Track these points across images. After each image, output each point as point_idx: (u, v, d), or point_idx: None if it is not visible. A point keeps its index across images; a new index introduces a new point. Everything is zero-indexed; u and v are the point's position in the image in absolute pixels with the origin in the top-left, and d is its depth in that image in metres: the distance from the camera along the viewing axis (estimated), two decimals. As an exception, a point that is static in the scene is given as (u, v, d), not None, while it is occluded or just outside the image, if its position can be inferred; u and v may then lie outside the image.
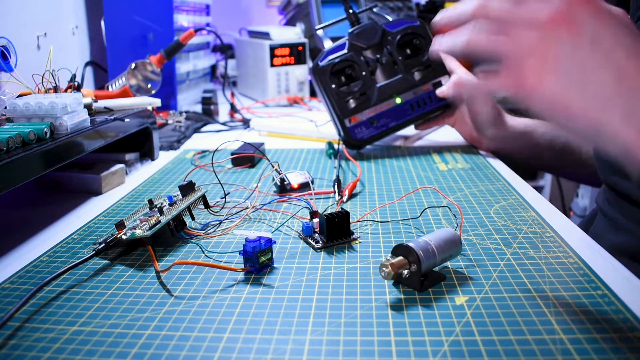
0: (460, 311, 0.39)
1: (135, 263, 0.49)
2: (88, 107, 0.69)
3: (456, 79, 0.81)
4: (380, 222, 0.57)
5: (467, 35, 0.38)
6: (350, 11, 0.86)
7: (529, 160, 0.83)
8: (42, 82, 0.68)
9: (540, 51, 0.36)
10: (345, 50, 0.82)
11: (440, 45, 0.40)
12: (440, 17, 0.42)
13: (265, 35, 1.33)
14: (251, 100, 1.38)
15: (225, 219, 0.59)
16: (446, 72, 0.84)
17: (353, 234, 0.53)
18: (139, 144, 0.82)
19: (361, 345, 0.36)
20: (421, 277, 0.42)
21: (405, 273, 0.42)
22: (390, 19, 0.86)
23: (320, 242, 0.51)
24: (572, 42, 0.35)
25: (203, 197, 0.59)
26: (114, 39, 1.15)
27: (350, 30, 0.83)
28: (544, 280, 0.44)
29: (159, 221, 0.51)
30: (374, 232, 0.54)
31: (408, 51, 0.83)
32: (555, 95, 0.36)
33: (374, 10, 0.91)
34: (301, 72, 1.33)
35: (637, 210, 0.60)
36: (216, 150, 0.71)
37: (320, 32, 0.93)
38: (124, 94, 0.97)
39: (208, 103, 1.13)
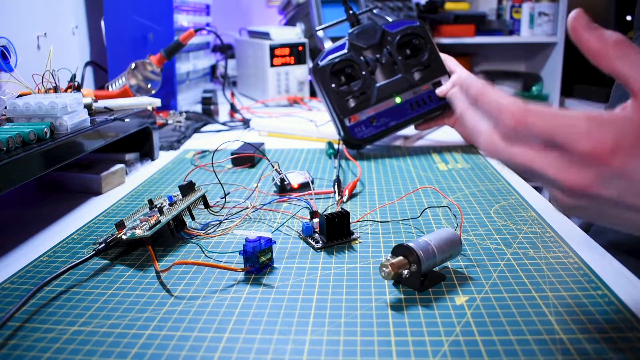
0: (460, 311, 0.39)
1: (135, 263, 0.49)
2: (88, 107, 0.69)
3: (456, 79, 0.81)
4: (380, 222, 0.57)
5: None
6: (351, 12, 0.86)
7: None
8: (42, 82, 0.68)
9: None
10: (345, 50, 0.82)
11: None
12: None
13: (265, 35, 1.33)
14: (251, 100, 1.39)
15: (225, 219, 0.59)
16: (446, 72, 0.84)
17: (353, 234, 0.53)
18: (139, 144, 0.82)
19: (361, 345, 0.36)
20: (421, 277, 0.42)
21: (405, 273, 0.42)
22: (390, 19, 0.86)
23: (320, 242, 0.51)
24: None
25: (203, 197, 0.59)
26: (114, 39, 1.15)
27: (350, 31, 0.83)
28: (544, 280, 0.44)
29: (159, 221, 0.51)
30: (374, 232, 0.54)
31: (408, 51, 0.83)
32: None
33: (374, 11, 0.91)
34: (301, 72, 1.33)
35: None
36: (216, 150, 0.71)
37: (320, 33, 0.93)
38: (124, 94, 0.97)
39: (208, 103, 1.13)
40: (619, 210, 0.31)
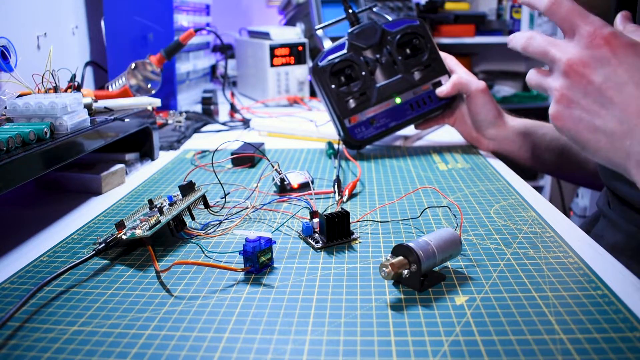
0: (460, 311, 0.39)
1: (135, 263, 0.49)
2: (88, 107, 0.69)
3: (456, 79, 0.81)
4: (380, 222, 0.57)
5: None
6: (350, 11, 0.86)
7: (528, 161, 0.83)
8: (42, 82, 0.68)
9: (557, 94, 0.43)
10: (344, 50, 0.82)
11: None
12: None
13: (265, 35, 1.33)
14: (251, 100, 1.39)
15: (225, 219, 0.59)
16: (446, 72, 0.84)
17: (353, 234, 0.53)
18: (139, 144, 0.82)
19: (361, 345, 0.36)
20: (421, 277, 0.42)
21: (405, 273, 0.42)
22: (389, 18, 0.86)
23: (320, 242, 0.51)
24: (583, 89, 0.41)
25: (203, 197, 0.59)
26: (114, 39, 1.15)
27: (349, 30, 0.83)
28: (544, 280, 0.44)
29: (159, 221, 0.51)
30: (374, 232, 0.54)
31: (408, 51, 0.83)
32: (572, 132, 0.43)
33: (374, 10, 0.91)
34: (301, 72, 1.33)
35: (638, 216, 0.60)
36: (216, 150, 0.71)
37: (320, 32, 0.93)
38: (124, 94, 0.97)
39: (208, 103, 1.13)
40: (598, 111, 0.41)
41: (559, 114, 0.43)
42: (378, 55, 0.83)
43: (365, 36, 0.83)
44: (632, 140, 0.39)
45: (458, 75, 0.81)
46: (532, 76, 0.46)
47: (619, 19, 0.49)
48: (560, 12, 0.43)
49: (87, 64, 1.16)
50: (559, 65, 0.43)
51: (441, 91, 0.82)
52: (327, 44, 0.88)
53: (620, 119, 0.40)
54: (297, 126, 0.99)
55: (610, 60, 0.40)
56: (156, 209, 0.54)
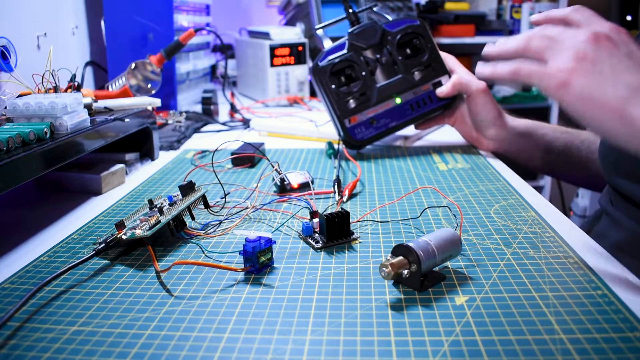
0: (460, 311, 0.39)
1: (135, 263, 0.49)
2: (88, 107, 0.69)
3: (456, 79, 0.81)
4: (380, 222, 0.57)
5: (511, 65, 0.46)
6: (350, 11, 0.86)
7: (528, 161, 0.83)
8: (42, 82, 0.68)
9: (579, 53, 0.42)
10: (345, 50, 0.82)
11: (484, 70, 0.48)
12: (489, 50, 0.48)
13: (265, 35, 1.33)
14: (251, 100, 1.39)
15: (225, 219, 0.59)
16: (446, 72, 0.83)
17: (353, 234, 0.53)
18: (139, 144, 0.82)
19: (361, 345, 0.36)
20: (421, 277, 0.42)
21: (405, 273, 0.42)
22: (390, 18, 0.86)
23: (320, 242, 0.51)
24: (609, 51, 0.42)
25: (203, 197, 0.59)
26: (114, 39, 1.15)
27: (350, 30, 0.83)
28: (544, 280, 0.44)
29: (159, 221, 0.51)
30: (374, 232, 0.54)
31: (408, 51, 0.83)
32: (589, 89, 0.41)
33: (374, 9, 0.91)
34: (301, 72, 1.33)
35: None
36: (216, 150, 0.71)
37: (320, 32, 0.93)
38: (124, 94, 0.97)
39: (208, 103, 1.13)
40: (622, 66, 0.41)
41: (576, 72, 0.42)
42: (378, 55, 0.83)
43: (366, 36, 0.83)
44: None
45: (458, 75, 0.81)
46: (521, 65, 0.45)
47: None
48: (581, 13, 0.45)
49: (87, 64, 1.16)
50: (579, 34, 0.43)
51: (441, 91, 0.82)
52: (327, 44, 0.88)
53: (638, 75, 0.41)
54: (297, 126, 0.99)
55: (630, 42, 0.43)
56: (156, 209, 0.54)
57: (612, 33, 0.43)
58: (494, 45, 0.48)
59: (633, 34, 0.73)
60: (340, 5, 0.86)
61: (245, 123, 1.08)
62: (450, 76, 0.83)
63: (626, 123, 0.40)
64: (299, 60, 1.33)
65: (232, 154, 0.78)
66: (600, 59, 0.42)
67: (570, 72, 0.42)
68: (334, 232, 0.51)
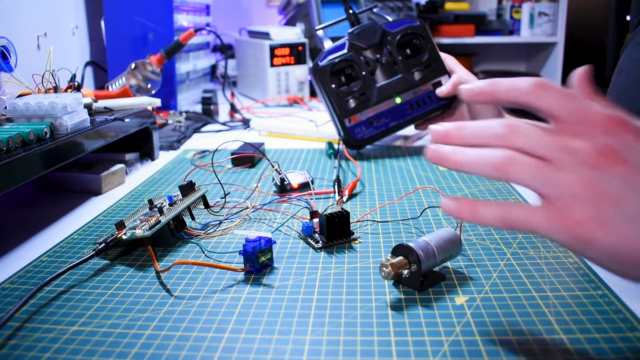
0: (460, 311, 0.39)
1: (135, 263, 0.49)
2: (88, 107, 0.69)
3: (456, 79, 0.81)
4: (380, 222, 0.57)
5: (497, 211, 0.34)
6: (350, 11, 0.86)
7: None
8: (42, 82, 0.68)
9: (592, 193, 0.31)
10: (345, 50, 0.82)
11: (460, 163, 0.34)
12: (457, 130, 0.35)
13: (265, 35, 1.33)
14: (251, 100, 1.39)
15: (225, 219, 0.59)
16: (446, 72, 0.84)
17: (353, 234, 0.53)
18: (139, 144, 0.82)
19: (361, 345, 0.36)
20: (421, 277, 0.42)
21: (405, 273, 0.42)
22: (390, 19, 0.86)
23: (320, 242, 0.51)
24: (624, 175, 0.31)
25: (203, 197, 0.59)
26: (114, 39, 1.15)
27: (350, 30, 0.83)
28: (544, 280, 0.44)
29: (159, 221, 0.51)
30: (374, 232, 0.54)
31: (408, 51, 0.83)
32: (620, 242, 0.30)
33: (374, 10, 0.91)
34: (301, 72, 1.33)
35: None
36: (216, 150, 0.71)
37: (320, 33, 0.93)
38: (124, 94, 0.97)
39: (208, 103, 1.13)
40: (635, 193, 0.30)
41: (595, 219, 0.31)
42: (378, 55, 0.83)
43: (366, 36, 0.83)
44: None
45: (458, 75, 0.81)
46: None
47: (578, 83, 0.36)
48: (548, 98, 0.33)
49: (87, 64, 1.16)
50: (576, 156, 0.31)
51: (441, 91, 0.82)
52: (328, 44, 0.88)
53: None
54: (297, 126, 0.99)
55: (635, 141, 0.31)
56: (156, 209, 0.54)
57: (615, 141, 0.31)
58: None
59: (628, 36, 0.73)
60: (341, 5, 0.86)
61: (245, 123, 1.08)
62: (450, 76, 0.83)
63: None
64: (299, 60, 1.33)
65: (232, 154, 0.78)
66: (619, 194, 0.30)
67: (590, 224, 0.31)
68: (334, 232, 0.51)
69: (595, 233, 0.31)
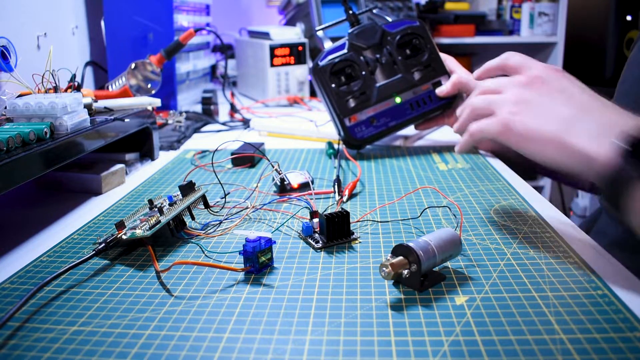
0: (460, 311, 0.39)
1: (135, 263, 0.49)
2: (88, 107, 0.69)
3: (456, 79, 0.81)
4: (380, 222, 0.57)
5: (466, 134, 0.54)
6: (350, 12, 0.86)
7: (528, 162, 0.83)
8: (42, 82, 0.68)
9: (516, 98, 0.49)
10: (345, 50, 0.82)
11: (460, 148, 0.56)
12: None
13: (265, 35, 1.33)
14: (251, 100, 1.39)
15: (225, 219, 0.59)
16: (446, 72, 0.84)
17: (353, 234, 0.53)
18: (139, 144, 0.82)
19: (361, 345, 0.36)
20: (421, 277, 0.42)
21: (405, 273, 0.42)
22: (389, 19, 0.86)
23: (320, 242, 0.51)
24: (542, 90, 0.48)
25: (203, 197, 0.59)
26: (114, 39, 1.15)
27: (350, 31, 0.83)
28: (544, 280, 0.44)
29: (159, 221, 0.51)
30: (374, 232, 0.54)
31: (408, 51, 0.83)
32: (528, 127, 0.47)
33: (374, 11, 0.91)
34: (301, 72, 1.33)
35: None
36: (216, 150, 0.71)
37: (320, 33, 0.93)
38: (124, 94, 0.97)
39: (208, 103, 1.13)
40: (554, 103, 0.47)
41: (515, 114, 0.48)
42: (378, 55, 0.83)
43: (366, 36, 0.83)
44: (582, 120, 0.45)
45: (458, 75, 0.81)
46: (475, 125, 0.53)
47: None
48: (512, 58, 0.53)
49: (87, 64, 1.16)
50: (514, 80, 0.51)
51: (441, 90, 0.82)
52: (328, 44, 0.88)
53: (570, 107, 0.46)
54: (297, 126, 0.99)
55: (562, 78, 0.49)
56: (156, 209, 0.54)
57: (543, 73, 0.48)
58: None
59: (634, 34, 0.73)
60: (340, 4, 0.86)
61: (245, 123, 1.08)
62: (449, 76, 0.83)
63: (564, 150, 0.44)
64: (299, 60, 1.33)
65: (232, 154, 0.78)
66: (535, 99, 0.48)
67: (510, 115, 0.48)
68: (334, 232, 0.51)
69: (514, 122, 0.48)
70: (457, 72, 0.83)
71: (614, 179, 0.40)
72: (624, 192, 0.40)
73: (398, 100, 0.83)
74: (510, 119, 0.48)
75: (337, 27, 0.89)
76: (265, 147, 0.87)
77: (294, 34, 1.35)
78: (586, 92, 0.47)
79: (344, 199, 0.63)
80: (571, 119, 0.45)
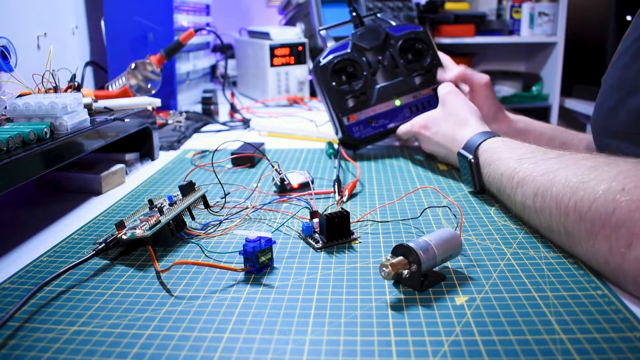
0: (460, 311, 0.39)
1: (135, 263, 0.49)
2: (88, 107, 0.69)
3: (462, 70, 0.82)
4: (380, 222, 0.57)
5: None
6: (355, 14, 0.86)
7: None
8: (42, 82, 0.68)
9: (425, 119, 0.76)
10: (347, 50, 0.82)
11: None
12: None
13: (265, 35, 1.33)
14: (251, 100, 1.39)
15: (225, 219, 0.59)
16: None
17: (353, 234, 0.53)
18: (139, 144, 0.82)
19: (361, 345, 0.36)
20: (421, 277, 0.42)
21: (405, 273, 0.42)
22: (393, 23, 0.86)
23: (320, 242, 0.51)
24: (443, 115, 0.74)
25: (203, 197, 0.59)
26: (114, 39, 1.15)
27: (354, 31, 0.83)
28: (544, 280, 0.44)
29: (159, 221, 0.51)
30: (374, 232, 0.54)
31: (410, 55, 0.84)
32: (433, 136, 0.74)
33: (378, 15, 0.91)
34: (301, 72, 1.33)
35: None
36: (216, 150, 0.71)
37: (323, 33, 0.94)
38: (124, 94, 0.97)
39: (208, 103, 1.13)
40: (436, 136, 0.73)
41: (423, 139, 0.76)
42: (380, 57, 0.83)
43: (369, 38, 0.83)
44: (452, 144, 0.69)
45: (463, 67, 0.82)
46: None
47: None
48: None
49: (87, 64, 1.16)
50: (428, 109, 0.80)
51: (443, 77, 0.82)
52: (330, 44, 0.88)
53: (444, 138, 0.71)
54: (297, 126, 0.99)
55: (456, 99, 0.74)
56: (156, 209, 0.54)
57: (447, 98, 0.75)
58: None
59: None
60: (341, 5, 0.86)
61: (245, 123, 1.08)
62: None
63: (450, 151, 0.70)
64: (299, 60, 1.33)
65: (232, 154, 0.78)
66: (436, 119, 0.74)
67: (422, 129, 0.75)
68: (334, 232, 0.51)
69: (424, 132, 0.75)
70: (452, 69, 0.84)
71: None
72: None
73: (398, 102, 0.83)
74: (422, 133, 0.76)
75: (340, 28, 0.90)
76: (265, 147, 0.87)
77: (294, 34, 1.35)
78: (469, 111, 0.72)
79: (344, 199, 0.63)
80: (452, 135, 0.70)
